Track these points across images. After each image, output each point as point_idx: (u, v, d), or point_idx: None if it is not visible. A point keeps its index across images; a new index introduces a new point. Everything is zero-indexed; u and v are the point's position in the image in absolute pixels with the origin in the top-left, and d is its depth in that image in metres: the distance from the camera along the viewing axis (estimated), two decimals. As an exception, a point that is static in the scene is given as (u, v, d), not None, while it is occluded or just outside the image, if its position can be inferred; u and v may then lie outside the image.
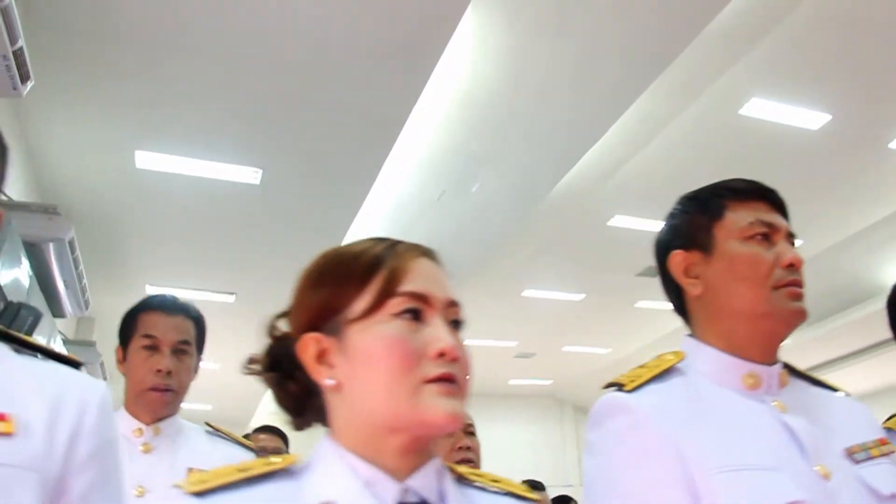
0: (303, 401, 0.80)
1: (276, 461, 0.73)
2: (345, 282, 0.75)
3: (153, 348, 1.52)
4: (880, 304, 1.45)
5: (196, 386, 1.63)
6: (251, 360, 0.82)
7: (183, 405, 1.61)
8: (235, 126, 4.42)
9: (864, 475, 0.93)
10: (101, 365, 5.39)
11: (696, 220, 1.05)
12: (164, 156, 4.67)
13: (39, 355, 0.85)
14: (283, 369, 0.80)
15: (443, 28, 3.71)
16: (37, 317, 2.73)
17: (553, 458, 13.34)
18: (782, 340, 1.01)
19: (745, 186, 1.05)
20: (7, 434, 0.72)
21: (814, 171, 5.57)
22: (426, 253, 0.79)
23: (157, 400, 1.52)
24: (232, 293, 6.79)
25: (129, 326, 1.57)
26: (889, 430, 1.16)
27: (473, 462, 1.80)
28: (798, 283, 0.99)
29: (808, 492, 0.87)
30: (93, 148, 4.49)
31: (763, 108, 4.94)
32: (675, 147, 5.37)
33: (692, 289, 1.03)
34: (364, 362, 0.71)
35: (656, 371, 0.98)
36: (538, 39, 4.13)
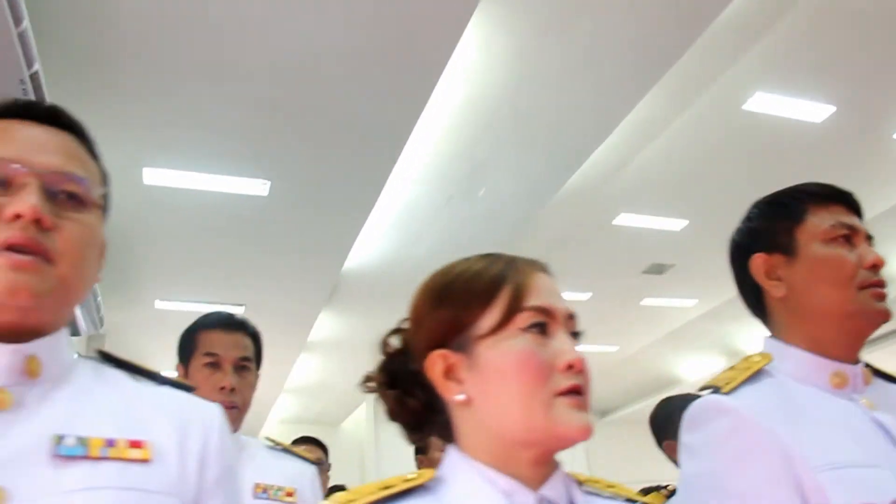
0: (422, 416, 0.81)
1: (413, 477, 0.74)
2: (471, 299, 0.76)
3: (215, 366, 1.53)
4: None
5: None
6: (367, 379, 0.84)
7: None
8: (242, 139, 4.43)
9: None
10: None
11: (778, 223, 1.07)
12: (171, 171, 4.67)
13: (153, 381, 0.86)
14: (400, 386, 0.81)
15: (448, 36, 3.72)
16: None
17: (562, 455, 13.33)
18: (866, 339, 1.03)
19: (825, 190, 1.07)
20: (145, 461, 0.73)
21: (819, 164, 5.59)
22: (542, 268, 0.81)
23: None
24: (241, 305, 6.78)
25: (188, 344, 1.57)
26: None
27: None
28: (882, 284, 1.01)
29: None
30: (102, 166, 4.48)
31: (767, 102, 4.96)
32: (679, 144, 5.40)
33: (775, 291, 1.05)
34: (496, 377, 0.73)
35: (748, 373, 1.00)
36: (543, 40, 4.14)
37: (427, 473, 0.75)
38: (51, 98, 3.11)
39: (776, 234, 1.06)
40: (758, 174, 5.80)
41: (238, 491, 0.85)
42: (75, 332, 4.46)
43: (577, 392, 0.73)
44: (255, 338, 1.62)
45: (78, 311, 4.32)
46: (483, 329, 0.75)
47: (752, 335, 9.84)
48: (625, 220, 6.54)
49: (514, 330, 0.74)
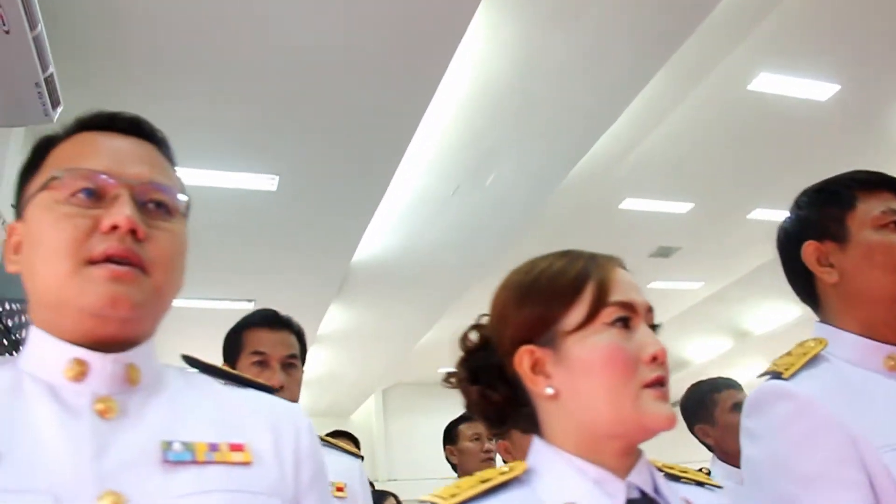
0: (505, 409, 0.84)
1: (507, 470, 0.77)
2: (557, 296, 0.79)
3: (263, 364, 1.55)
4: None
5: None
6: (450, 375, 0.86)
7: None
8: (251, 134, 4.44)
9: None
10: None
11: (828, 211, 1.09)
12: (181, 169, 4.63)
13: (237, 384, 0.89)
14: (483, 381, 0.84)
15: (455, 27, 3.73)
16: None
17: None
18: None
19: (873, 177, 1.10)
20: (247, 463, 0.75)
21: (824, 142, 5.62)
22: (620, 263, 0.83)
23: None
24: (251, 300, 6.81)
25: (235, 344, 1.59)
26: None
27: (493, 463, 2.30)
28: None
29: None
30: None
31: (772, 82, 4.98)
32: (685, 127, 5.41)
33: (828, 277, 1.08)
34: (584, 372, 0.76)
35: (805, 359, 1.03)
36: (549, 27, 4.15)
37: (520, 466, 0.78)
38: (65, 100, 3.11)
39: (827, 222, 1.09)
40: (762, 155, 5.82)
41: (328, 489, 0.88)
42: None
43: (661, 383, 0.76)
44: (299, 335, 1.64)
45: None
46: (570, 325, 0.78)
47: (757, 316, 9.90)
48: (631, 204, 6.57)
49: (599, 325, 0.77)
